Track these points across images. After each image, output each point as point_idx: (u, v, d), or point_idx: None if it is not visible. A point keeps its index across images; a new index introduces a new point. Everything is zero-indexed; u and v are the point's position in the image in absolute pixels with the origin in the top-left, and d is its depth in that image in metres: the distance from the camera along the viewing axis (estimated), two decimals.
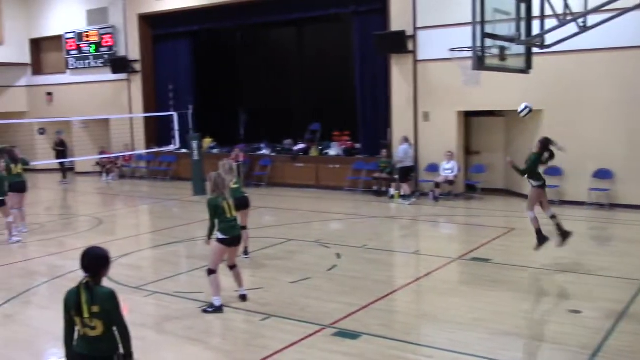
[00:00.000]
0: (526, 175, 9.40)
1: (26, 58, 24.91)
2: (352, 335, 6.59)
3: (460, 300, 7.79)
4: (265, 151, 19.63)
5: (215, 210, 7.52)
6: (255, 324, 7.08)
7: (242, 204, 9.34)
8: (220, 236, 7.54)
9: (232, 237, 7.59)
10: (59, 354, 6.34)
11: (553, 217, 9.34)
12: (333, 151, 18.25)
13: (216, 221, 7.57)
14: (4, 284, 9.12)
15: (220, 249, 7.58)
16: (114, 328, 4.16)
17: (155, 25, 21.89)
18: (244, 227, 9.45)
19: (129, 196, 18.83)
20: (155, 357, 6.03)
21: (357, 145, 18.08)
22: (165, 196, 17.83)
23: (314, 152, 18.43)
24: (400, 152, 15.45)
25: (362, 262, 9.81)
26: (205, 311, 7.48)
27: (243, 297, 7.85)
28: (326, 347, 6.32)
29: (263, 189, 18.14)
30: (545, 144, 9.39)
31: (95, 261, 4.19)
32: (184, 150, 20.04)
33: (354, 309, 7.42)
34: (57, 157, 21.32)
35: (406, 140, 15.56)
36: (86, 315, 4.06)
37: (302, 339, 6.53)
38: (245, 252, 9.93)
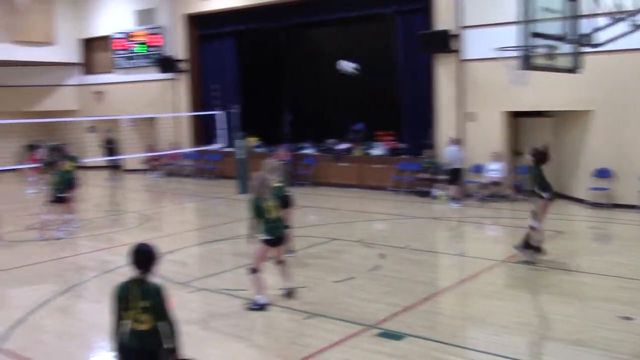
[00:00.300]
0: (536, 188, 9.23)
1: (76, 58, 25.56)
2: (396, 336, 6.57)
3: (506, 303, 7.69)
4: (309, 150, 19.71)
5: (258, 211, 7.59)
6: (299, 322, 7.13)
7: (286, 202, 9.41)
8: (264, 237, 7.61)
9: (276, 237, 7.67)
10: (108, 348, 6.52)
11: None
12: (376, 151, 18.21)
13: (260, 221, 7.62)
14: (57, 278, 9.39)
15: (264, 250, 7.67)
16: (162, 323, 4.25)
17: (201, 25, 22.20)
18: (287, 226, 9.51)
19: (175, 193, 19.15)
20: (201, 352, 6.11)
21: (401, 145, 17.99)
22: (210, 194, 18.06)
23: (357, 152, 18.42)
24: (449, 153, 15.30)
25: (406, 262, 9.77)
26: (250, 309, 7.57)
27: (289, 293, 7.89)
28: (370, 348, 6.32)
29: (307, 188, 18.21)
30: (541, 155, 9.27)
31: (145, 257, 4.29)
32: (229, 149, 20.26)
33: (398, 309, 7.40)
34: (106, 155, 21.82)
35: (455, 141, 15.40)
36: (136, 309, 4.17)
37: (346, 339, 6.54)
38: (290, 251, 10.01)
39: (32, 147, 23.58)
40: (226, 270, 9.86)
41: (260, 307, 7.53)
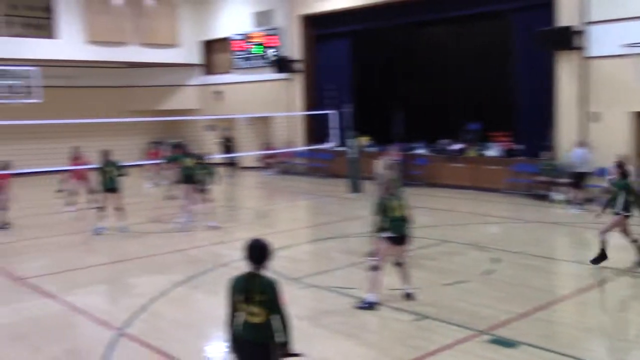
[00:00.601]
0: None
1: (197, 59, 26.71)
2: (510, 344, 6.34)
3: (629, 315, 7.23)
4: (421, 150, 19.46)
5: (383, 209, 7.61)
6: (410, 323, 7.05)
7: None
8: (388, 234, 7.60)
9: (400, 235, 7.64)
10: (222, 338, 6.74)
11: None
12: (491, 152, 17.67)
13: (384, 219, 7.62)
14: (175, 269, 9.85)
15: (386, 247, 7.66)
16: (274, 317, 4.34)
17: (316, 26, 22.52)
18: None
19: (288, 191, 19.54)
20: (310, 348, 6.19)
21: (517, 147, 17.35)
22: (322, 192, 18.27)
23: (471, 153, 17.97)
24: (576, 156, 14.57)
25: (521, 268, 9.41)
26: (358, 307, 7.57)
27: (408, 295, 7.81)
28: (482, 354, 6.14)
29: (419, 189, 17.98)
30: (622, 166, 8.96)
31: (260, 252, 4.39)
32: (341, 148, 20.41)
33: (512, 316, 7.14)
34: (224, 152, 22.64)
35: (583, 144, 14.66)
36: (251, 303, 4.27)
37: (456, 343, 6.39)
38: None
39: (156, 144, 24.94)
40: (337, 268, 9.92)
41: (369, 306, 7.52)
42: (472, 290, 8.22)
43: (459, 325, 6.87)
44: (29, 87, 21.19)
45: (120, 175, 12.77)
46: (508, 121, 17.77)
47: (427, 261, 9.85)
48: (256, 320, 4.31)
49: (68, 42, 23.01)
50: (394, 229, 7.61)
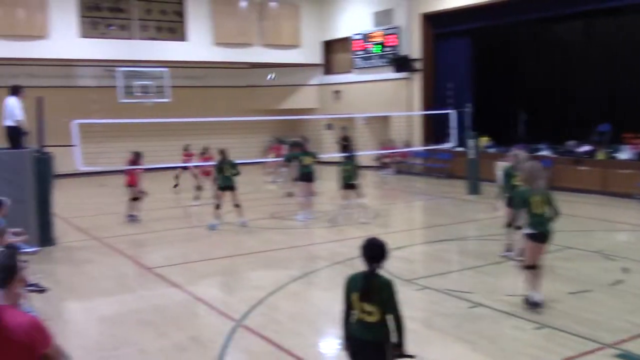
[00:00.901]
0: None
1: (318, 59, 27.12)
2: None
3: None
4: (545, 152, 18.63)
5: (522, 204, 7.42)
6: (528, 332, 6.78)
7: None
8: (528, 231, 7.42)
9: (540, 232, 7.37)
10: (336, 335, 6.81)
11: None
12: (624, 155, 16.60)
13: (524, 214, 7.45)
14: (292, 264, 10.07)
15: (529, 245, 7.44)
16: (389, 317, 4.33)
17: (437, 24, 22.19)
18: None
19: (404, 191, 19.41)
20: (423, 351, 6.11)
21: None
22: (439, 193, 17.99)
23: (600, 155, 16.98)
24: None
25: None
26: (526, 304, 7.40)
27: (535, 304, 7.38)
28: None
29: None
30: None
31: (377, 251, 4.39)
32: (460, 149, 20.00)
33: None
34: (342, 151, 22.82)
35: None
36: (366, 301, 4.28)
37: (579, 355, 6.07)
38: (509, 251, 9.74)
39: (277, 142, 25.59)
40: (452, 270, 9.74)
41: (535, 305, 7.32)
42: (598, 301, 7.77)
43: (582, 337, 6.52)
44: (160, 87, 22.49)
45: (235, 174, 13.10)
46: None
47: (548, 268, 9.40)
48: (371, 319, 4.31)
49: (197, 44, 24.15)
50: (534, 226, 7.35)
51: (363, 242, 4.46)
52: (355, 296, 4.34)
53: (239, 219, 13.19)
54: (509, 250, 9.81)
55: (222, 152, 13.25)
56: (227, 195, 13.09)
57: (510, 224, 9.28)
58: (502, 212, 10.07)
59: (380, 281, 4.31)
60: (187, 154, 17.76)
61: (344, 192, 13.72)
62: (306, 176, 13.74)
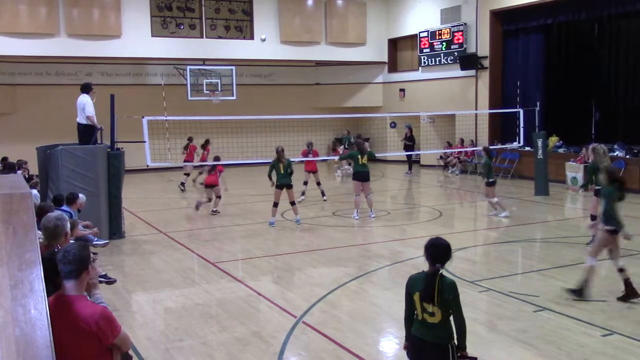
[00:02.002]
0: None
1: (384, 57, 26.98)
2: None
3: None
4: (618, 152, 17.92)
5: (612, 198, 7.72)
6: (596, 338, 6.55)
7: None
8: (610, 227, 7.66)
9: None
10: (395, 334, 6.78)
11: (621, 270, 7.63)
12: None
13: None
14: (354, 262, 10.07)
15: (606, 239, 7.71)
16: (451, 318, 4.27)
17: (506, 21, 21.70)
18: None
19: (468, 191, 19.09)
20: (486, 354, 6.00)
21: None
22: (505, 194, 17.57)
23: None
24: None
25: None
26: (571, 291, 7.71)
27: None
28: None
29: None
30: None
31: (441, 252, 4.35)
32: (527, 148, 19.51)
33: None
34: (405, 150, 22.68)
35: None
36: (430, 302, 4.24)
37: None
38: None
39: (340, 140, 25.66)
40: (517, 273, 9.51)
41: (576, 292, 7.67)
42: None
43: None
44: (227, 85, 22.88)
45: (290, 172, 13.13)
46: None
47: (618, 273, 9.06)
48: (432, 320, 4.28)
49: (263, 43, 24.42)
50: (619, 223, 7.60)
51: (427, 242, 4.42)
52: (417, 296, 4.31)
53: (295, 216, 13.29)
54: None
55: (280, 151, 13.29)
56: (284, 193, 13.14)
57: (596, 216, 9.78)
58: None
59: (443, 282, 4.26)
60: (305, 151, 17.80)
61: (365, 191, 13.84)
62: (361, 175, 13.69)
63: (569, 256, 10.07)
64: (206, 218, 14.46)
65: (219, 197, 14.88)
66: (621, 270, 7.75)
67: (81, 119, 12.02)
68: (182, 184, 19.33)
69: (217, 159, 15.27)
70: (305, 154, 17.29)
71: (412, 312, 4.43)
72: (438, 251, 4.35)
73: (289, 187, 13.13)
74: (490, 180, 13.72)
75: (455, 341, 4.31)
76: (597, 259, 7.82)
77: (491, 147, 16.38)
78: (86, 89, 12.14)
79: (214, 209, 14.83)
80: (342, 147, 23.94)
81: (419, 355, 4.41)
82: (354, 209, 13.88)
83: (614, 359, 6.01)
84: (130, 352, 4.73)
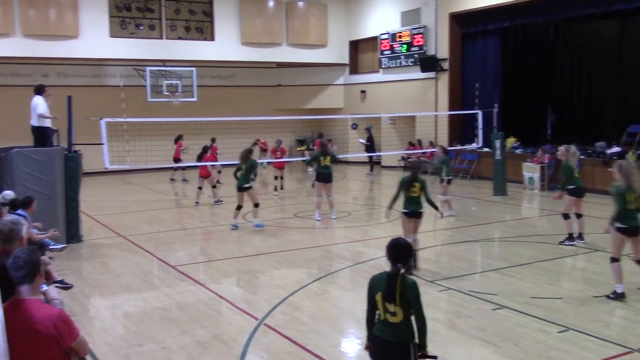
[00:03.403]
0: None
1: (345, 58, 27.10)
2: None
3: None
4: None
5: (619, 199, 7.73)
6: (552, 334, 6.70)
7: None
8: (619, 225, 7.74)
9: (630, 226, 7.70)
10: (357, 335, 6.81)
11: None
12: None
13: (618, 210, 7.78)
14: (315, 264, 10.09)
15: (618, 238, 7.78)
16: (412, 317, 4.32)
17: (465, 24, 22.02)
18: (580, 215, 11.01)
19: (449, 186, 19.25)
20: (446, 352, 6.08)
21: None
22: (464, 194, 17.85)
23: (631, 157, 16.64)
24: None
25: None
26: (608, 297, 7.77)
27: (619, 295, 7.75)
28: None
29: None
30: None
31: (403, 252, 4.39)
32: (486, 149, 19.83)
33: None
34: (366, 151, 22.80)
35: None
36: (391, 302, 4.27)
37: None
38: (580, 237, 10.90)
39: (302, 142, 25.70)
40: (475, 272, 9.66)
41: (617, 296, 7.70)
42: (625, 305, 7.64)
43: (607, 341, 6.43)
44: (188, 86, 22.67)
45: (249, 175, 12.98)
46: None
47: (574, 271, 9.32)
48: (394, 320, 4.31)
49: (224, 44, 24.30)
50: (625, 220, 7.69)
51: (389, 243, 4.46)
52: (379, 296, 4.35)
53: (254, 219, 13.22)
54: (570, 239, 10.77)
55: (245, 153, 13.16)
56: (242, 195, 12.97)
57: (568, 214, 10.80)
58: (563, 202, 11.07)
59: (405, 282, 4.30)
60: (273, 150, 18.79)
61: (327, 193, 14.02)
62: (322, 176, 13.75)
63: (526, 254, 10.28)
64: (167, 221, 14.29)
65: (213, 186, 16.20)
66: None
67: (34, 122, 11.74)
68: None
69: (205, 149, 16.61)
70: (274, 152, 18.12)
71: (373, 313, 4.46)
72: (399, 251, 4.39)
73: (247, 189, 12.94)
74: (449, 177, 14.10)
75: (417, 340, 4.36)
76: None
77: (450, 148, 16.65)
78: (39, 90, 11.87)
79: (215, 200, 16.21)
80: (306, 148, 24.05)
81: (380, 355, 4.44)
82: (315, 210, 13.92)
83: (569, 354, 6.16)
84: (89, 357, 4.66)
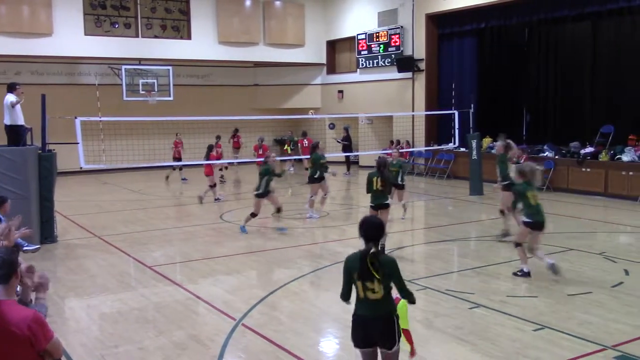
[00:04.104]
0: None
1: (322, 58, 27.12)
2: None
3: None
4: (548, 153, 18.57)
5: (521, 197, 8.79)
6: (528, 333, 6.77)
7: None
8: (525, 219, 8.80)
9: (534, 221, 8.68)
10: (335, 334, 6.82)
11: None
12: (627, 156, 16.53)
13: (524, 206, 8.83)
14: (293, 263, 10.07)
15: (524, 230, 8.84)
16: (390, 293, 4.43)
17: (441, 25, 22.16)
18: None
19: (406, 191, 19.32)
20: (423, 350, 6.11)
21: None
22: (441, 194, 17.98)
23: (604, 157, 16.93)
24: None
25: None
26: (514, 274, 8.86)
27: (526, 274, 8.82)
28: None
29: (543, 193, 17.24)
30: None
31: (375, 230, 4.43)
32: (462, 149, 19.99)
33: None
34: (343, 151, 22.85)
35: None
36: (371, 280, 4.31)
37: (578, 357, 6.06)
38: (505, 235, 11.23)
39: (282, 141, 25.66)
40: (452, 271, 9.73)
41: (524, 274, 8.78)
42: (598, 303, 7.75)
43: (582, 339, 6.51)
44: (164, 85, 22.50)
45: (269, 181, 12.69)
46: None
47: (548, 269, 9.40)
48: (376, 297, 4.39)
49: (201, 43, 24.15)
50: (530, 215, 8.68)
51: (360, 221, 4.51)
52: (356, 275, 4.40)
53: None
54: (505, 234, 11.16)
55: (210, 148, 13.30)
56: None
57: (504, 211, 11.33)
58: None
59: (384, 259, 4.38)
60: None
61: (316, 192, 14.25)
62: (322, 177, 14.14)
63: (502, 254, 10.37)
64: (143, 221, 14.17)
65: (214, 185, 16.53)
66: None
67: (7, 120, 11.55)
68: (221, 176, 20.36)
69: (210, 148, 16.89)
70: (256, 149, 18.06)
71: (349, 289, 4.53)
72: (370, 229, 4.45)
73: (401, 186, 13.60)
74: (403, 183, 13.90)
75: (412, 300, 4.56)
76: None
77: (427, 148, 16.75)
78: (11, 88, 11.66)
79: (216, 197, 16.50)
80: (289, 147, 24.06)
81: (363, 332, 4.50)
82: (310, 209, 14.11)
83: (544, 352, 6.22)
84: (63, 359, 4.59)
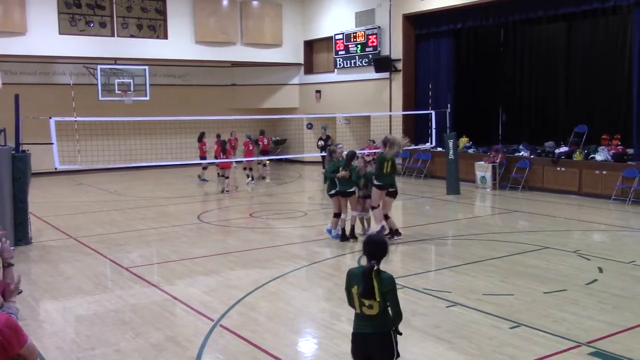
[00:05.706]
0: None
1: (300, 58, 27.11)
2: (612, 358, 6.01)
3: None
4: (523, 153, 18.78)
5: (378, 163, 10.66)
6: (504, 330, 6.84)
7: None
8: (376, 182, 10.89)
9: (384, 184, 10.90)
10: (314, 334, 6.82)
11: None
12: (600, 156, 16.77)
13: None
14: (271, 264, 10.05)
15: (377, 193, 10.72)
16: (388, 309, 4.43)
17: (418, 25, 22.26)
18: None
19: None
20: (401, 349, 6.10)
21: (629, 151, 16.41)
22: (418, 193, 18.07)
23: (578, 156, 17.15)
24: None
25: (629, 279, 8.90)
26: (328, 231, 11.15)
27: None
28: None
29: (519, 193, 17.43)
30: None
31: (378, 248, 4.47)
32: (439, 149, 20.11)
33: (616, 329, 6.77)
34: (321, 151, 22.85)
35: None
36: (370, 296, 4.35)
37: (554, 354, 6.14)
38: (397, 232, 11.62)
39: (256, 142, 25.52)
40: (430, 270, 9.80)
41: (334, 237, 11.06)
42: (573, 300, 7.86)
43: (558, 336, 6.60)
44: (140, 85, 22.31)
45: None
46: (619, 124, 16.87)
47: (524, 267, 9.52)
48: (372, 312, 4.41)
49: (177, 42, 23.99)
50: (380, 179, 10.70)
51: (364, 239, 4.60)
52: (355, 290, 4.44)
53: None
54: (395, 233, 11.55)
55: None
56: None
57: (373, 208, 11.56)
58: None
59: (381, 277, 4.39)
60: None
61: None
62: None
63: (479, 253, 10.46)
64: (120, 223, 14.04)
65: (227, 177, 18.03)
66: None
67: None
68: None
69: (224, 143, 18.32)
70: (247, 145, 19.97)
71: (353, 302, 4.56)
72: (373, 248, 4.49)
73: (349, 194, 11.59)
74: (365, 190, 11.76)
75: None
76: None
77: (404, 148, 16.72)
78: None
79: (226, 189, 17.74)
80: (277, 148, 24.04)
81: (362, 349, 4.53)
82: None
83: (520, 349, 6.29)
84: None
